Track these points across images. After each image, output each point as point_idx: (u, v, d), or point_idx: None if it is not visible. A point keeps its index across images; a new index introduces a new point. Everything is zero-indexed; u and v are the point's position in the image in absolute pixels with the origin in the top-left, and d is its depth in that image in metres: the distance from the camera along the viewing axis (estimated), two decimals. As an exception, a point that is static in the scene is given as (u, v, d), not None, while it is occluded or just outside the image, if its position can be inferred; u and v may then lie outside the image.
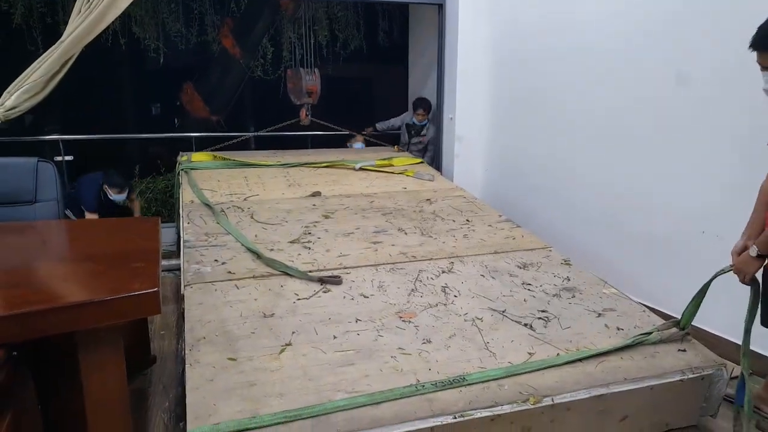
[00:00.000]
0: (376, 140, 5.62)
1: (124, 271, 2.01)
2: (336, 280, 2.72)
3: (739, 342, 2.10)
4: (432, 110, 5.16)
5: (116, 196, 4.46)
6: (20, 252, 2.37)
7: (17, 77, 3.99)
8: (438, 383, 1.93)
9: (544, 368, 2.03)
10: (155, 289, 1.79)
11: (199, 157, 4.81)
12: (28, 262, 2.23)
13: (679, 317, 2.30)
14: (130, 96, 7.03)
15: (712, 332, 2.80)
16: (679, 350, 2.21)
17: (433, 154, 5.17)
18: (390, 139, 5.61)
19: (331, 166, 4.72)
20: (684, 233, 3.02)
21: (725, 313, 2.55)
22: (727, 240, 2.19)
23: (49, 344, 1.81)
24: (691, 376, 2.10)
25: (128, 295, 1.78)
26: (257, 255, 2.95)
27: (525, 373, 2.01)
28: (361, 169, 4.65)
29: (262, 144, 6.29)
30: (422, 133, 5.19)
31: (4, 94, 3.97)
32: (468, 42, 4.54)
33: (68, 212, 4.37)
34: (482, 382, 1.95)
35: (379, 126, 5.55)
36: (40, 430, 1.86)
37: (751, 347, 2.11)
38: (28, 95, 3.99)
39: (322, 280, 2.71)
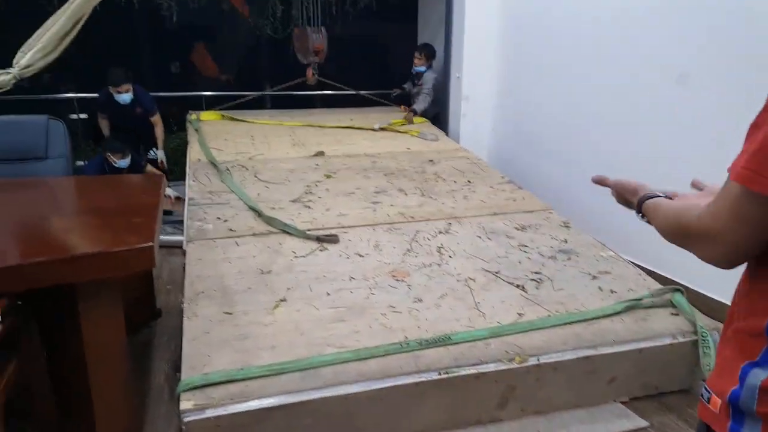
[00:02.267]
0: (384, 101, 5.56)
1: (124, 225, 2.07)
2: (333, 239, 2.75)
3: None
4: (433, 57, 5.02)
5: (121, 162, 4.18)
6: (29, 206, 2.44)
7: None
8: (423, 341, 1.96)
9: (532, 329, 2.06)
10: (150, 244, 1.84)
11: (207, 116, 4.83)
12: (36, 216, 2.29)
13: (677, 281, 2.29)
14: (141, 55, 7.01)
15: (709, 295, 2.79)
16: (672, 314, 2.21)
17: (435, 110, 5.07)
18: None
19: (350, 127, 4.72)
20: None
21: (722, 276, 2.53)
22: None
23: (52, 295, 1.88)
24: (681, 339, 2.11)
25: (125, 248, 1.83)
26: (258, 213, 2.99)
27: (512, 333, 2.04)
28: (380, 129, 4.68)
29: (272, 103, 6.27)
30: (418, 81, 5.05)
31: (19, 52, 4.01)
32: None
33: None
34: (468, 341, 1.99)
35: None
36: (44, 377, 1.96)
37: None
38: (41, 54, 4.02)
39: (319, 239, 2.75)
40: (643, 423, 2.04)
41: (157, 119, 4.66)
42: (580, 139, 3.79)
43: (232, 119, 4.79)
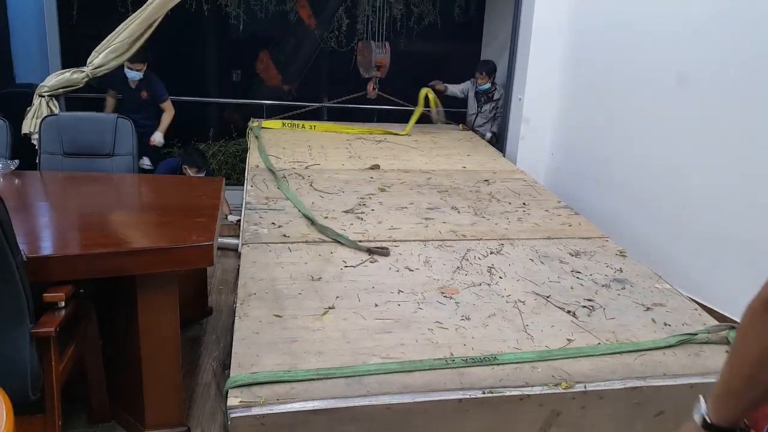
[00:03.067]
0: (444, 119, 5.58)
1: (186, 224, 2.16)
2: (384, 252, 2.78)
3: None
4: (494, 71, 5.04)
5: (196, 176, 4.31)
6: (96, 200, 2.59)
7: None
8: (469, 359, 1.95)
9: (581, 356, 2.01)
10: (210, 243, 1.92)
11: (269, 124, 4.98)
12: (102, 210, 2.42)
13: (733, 319, 2.20)
14: (208, 61, 7.30)
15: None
16: (726, 351, 2.11)
17: (500, 122, 5.07)
18: (455, 118, 5.55)
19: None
20: (756, 235, 2.86)
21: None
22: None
23: (113, 285, 1.98)
24: (737, 379, 2.02)
25: (186, 245, 1.92)
26: (312, 221, 3.05)
27: (560, 358, 2.00)
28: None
29: (331, 115, 6.41)
30: (494, 97, 5.06)
31: (93, 52, 4.27)
32: (544, 22, 4.41)
33: None
34: (514, 363, 1.96)
35: (447, 87, 5.43)
36: (100, 361, 2.05)
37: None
38: (114, 55, 4.27)
39: (370, 251, 2.78)
40: (687, 458, 1.95)
41: (167, 105, 4.73)
42: (640, 170, 3.70)
43: (292, 127, 4.92)
